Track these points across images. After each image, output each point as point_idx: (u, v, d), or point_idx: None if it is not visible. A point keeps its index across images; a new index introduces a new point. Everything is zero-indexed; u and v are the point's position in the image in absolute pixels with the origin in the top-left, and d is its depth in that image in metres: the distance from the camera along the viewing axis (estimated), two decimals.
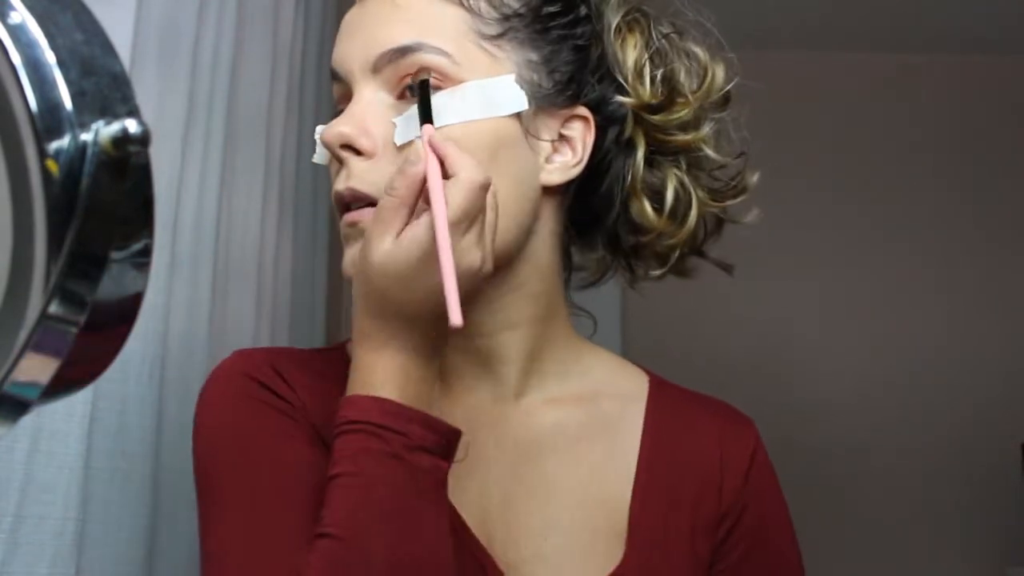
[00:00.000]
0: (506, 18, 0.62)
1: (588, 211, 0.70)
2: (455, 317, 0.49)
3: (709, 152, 0.70)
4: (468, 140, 0.59)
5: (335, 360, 0.68)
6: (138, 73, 0.92)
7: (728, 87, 0.69)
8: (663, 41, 0.69)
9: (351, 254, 0.60)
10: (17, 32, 0.32)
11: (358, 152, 0.60)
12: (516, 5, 0.63)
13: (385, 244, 0.54)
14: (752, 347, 2.47)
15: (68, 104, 0.32)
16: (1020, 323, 2.53)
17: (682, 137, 0.68)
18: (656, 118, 0.68)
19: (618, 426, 0.68)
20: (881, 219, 2.59)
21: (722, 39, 0.70)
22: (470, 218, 0.54)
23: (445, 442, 0.55)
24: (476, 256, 0.54)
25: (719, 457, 0.68)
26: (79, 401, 0.83)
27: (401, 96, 0.61)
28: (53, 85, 0.32)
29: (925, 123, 2.64)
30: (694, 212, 0.69)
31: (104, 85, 0.34)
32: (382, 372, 0.55)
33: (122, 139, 0.32)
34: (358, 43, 0.62)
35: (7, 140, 0.32)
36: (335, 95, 0.65)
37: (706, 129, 0.69)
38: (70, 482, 0.82)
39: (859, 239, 2.58)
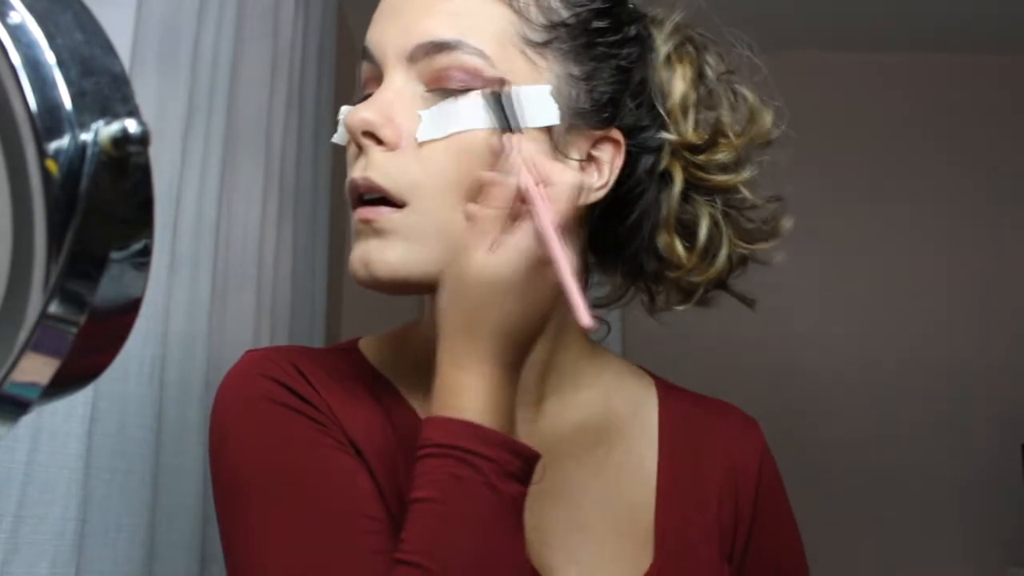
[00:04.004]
0: (553, 26, 0.60)
1: (611, 237, 0.69)
2: (585, 318, 0.49)
3: (747, 194, 0.68)
4: (486, 147, 0.58)
5: (353, 361, 0.67)
6: (138, 73, 0.92)
7: (775, 134, 0.68)
8: (714, 81, 0.67)
9: (361, 252, 0.58)
10: (17, 32, 0.32)
11: (379, 141, 0.58)
12: (565, 14, 0.61)
13: (485, 255, 0.53)
14: (752, 347, 2.47)
15: (68, 104, 0.32)
16: (1021, 322, 2.53)
17: (722, 178, 0.67)
18: (698, 158, 0.67)
19: (633, 431, 0.68)
20: (882, 217, 2.59)
21: (768, 77, 0.68)
22: (569, 223, 0.54)
23: (528, 467, 0.53)
24: (573, 258, 0.54)
25: (732, 460, 0.68)
26: (79, 401, 0.84)
27: (432, 88, 0.59)
28: (53, 85, 0.32)
29: (928, 118, 2.64)
30: (724, 252, 0.68)
31: (104, 85, 0.34)
32: (472, 393, 0.53)
33: (122, 139, 0.32)
34: (397, 28, 0.59)
35: (7, 140, 0.32)
36: (363, 75, 0.62)
37: (747, 172, 0.68)
38: (70, 482, 0.82)
39: (860, 237, 2.58)
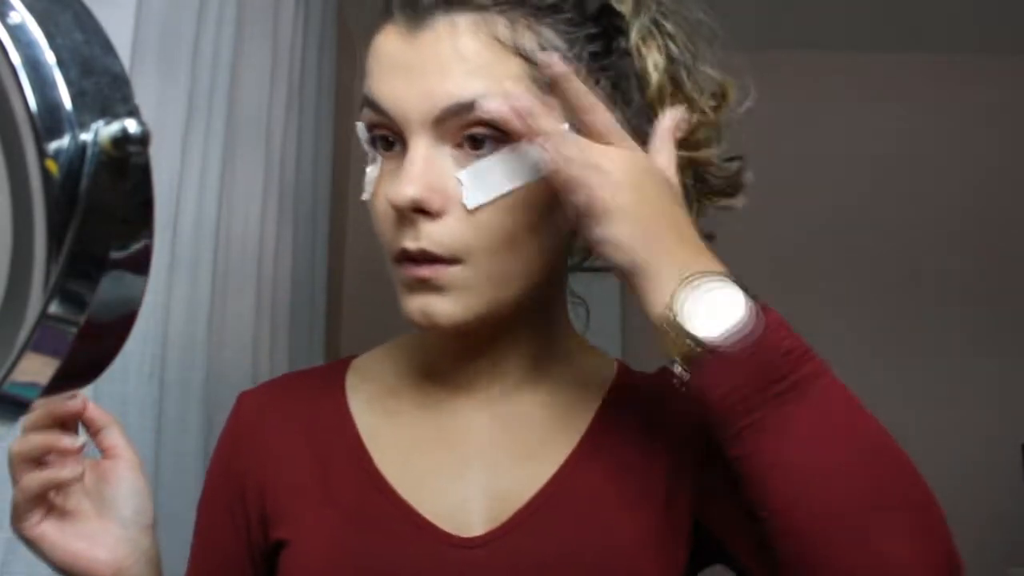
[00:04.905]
0: None
1: None
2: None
3: (716, 163, 0.70)
4: (534, 198, 0.60)
5: (327, 380, 0.74)
6: (138, 73, 0.92)
7: (744, 104, 0.69)
8: (683, 62, 0.69)
9: (420, 305, 0.61)
10: (17, 32, 0.32)
11: (427, 212, 0.60)
12: (563, 47, 0.62)
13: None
14: None
15: (68, 104, 0.32)
16: (1021, 322, 2.53)
17: (696, 155, 0.69)
18: (684, 140, 0.68)
19: (578, 397, 0.70)
20: (883, 216, 2.59)
21: (728, 41, 0.69)
22: None
23: None
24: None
25: (678, 409, 0.68)
26: None
27: (459, 146, 0.60)
28: (53, 85, 0.32)
29: (927, 120, 2.64)
30: (693, 212, 0.70)
31: (104, 85, 0.34)
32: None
33: (122, 139, 0.32)
34: (417, 91, 0.60)
35: (7, 140, 0.32)
36: (367, 120, 0.63)
37: (724, 144, 0.70)
38: None
39: (861, 237, 2.59)
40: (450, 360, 0.69)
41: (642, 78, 0.68)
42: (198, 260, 1.05)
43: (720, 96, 0.70)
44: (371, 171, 0.65)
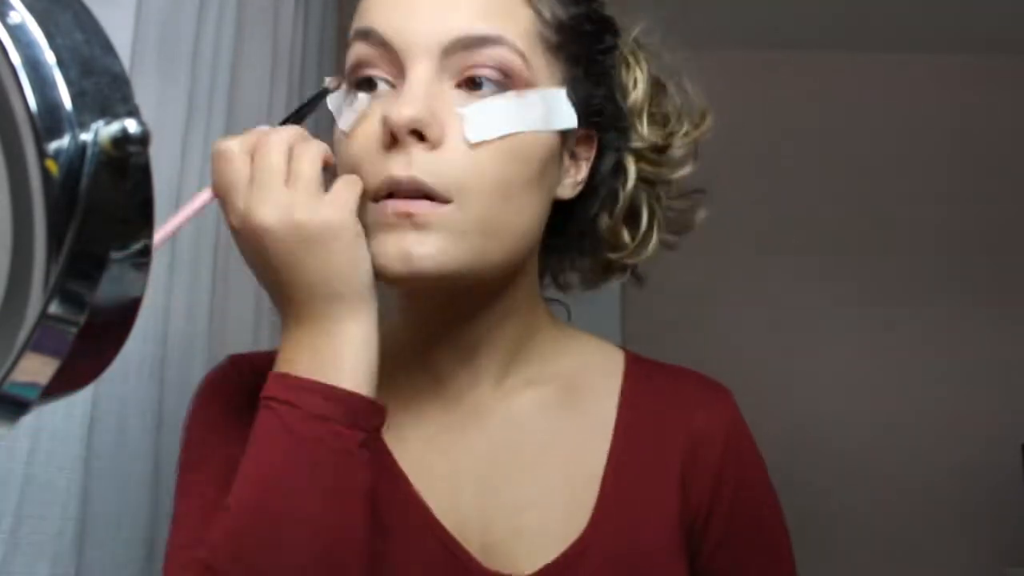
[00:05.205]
0: (562, 29, 0.61)
1: (563, 223, 0.70)
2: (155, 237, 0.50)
3: (676, 186, 0.72)
4: (532, 150, 0.59)
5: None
6: (138, 73, 0.92)
7: (705, 129, 0.71)
8: (669, 80, 0.70)
9: (397, 246, 0.56)
10: (17, 32, 0.32)
11: (422, 138, 0.56)
12: (566, 18, 0.62)
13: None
14: (752, 347, 2.47)
15: (68, 104, 0.32)
16: (1021, 322, 2.53)
17: (670, 173, 0.70)
18: (659, 156, 0.70)
19: (594, 400, 0.69)
20: (882, 218, 2.59)
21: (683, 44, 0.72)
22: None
23: (349, 410, 0.54)
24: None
25: (694, 428, 0.68)
26: (79, 401, 0.84)
27: (459, 85, 0.57)
28: (53, 85, 0.32)
29: (926, 123, 2.64)
30: (655, 238, 0.71)
31: (104, 85, 0.34)
32: (287, 346, 0.56)
33: (122, 139, 0.32)
34: (425, 17, 0.57)
35: (7, 140, 0.32)
36: (359, 56, 0.59)
37: (694, 166, 0.71)
38: (70, 482, 0.82)
39: (860, 238, 2.59)
40: (422, 344, 0.66)
41: (625, 85, 0.69)
42: (198, 260, 1.05)
43: (699, 118, 0.71)
44: (348, 112, 0.60)
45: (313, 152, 0.55)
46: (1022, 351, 2.51)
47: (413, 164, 0.56)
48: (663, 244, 0.73)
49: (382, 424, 0.57)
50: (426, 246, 0.56)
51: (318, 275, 0.54)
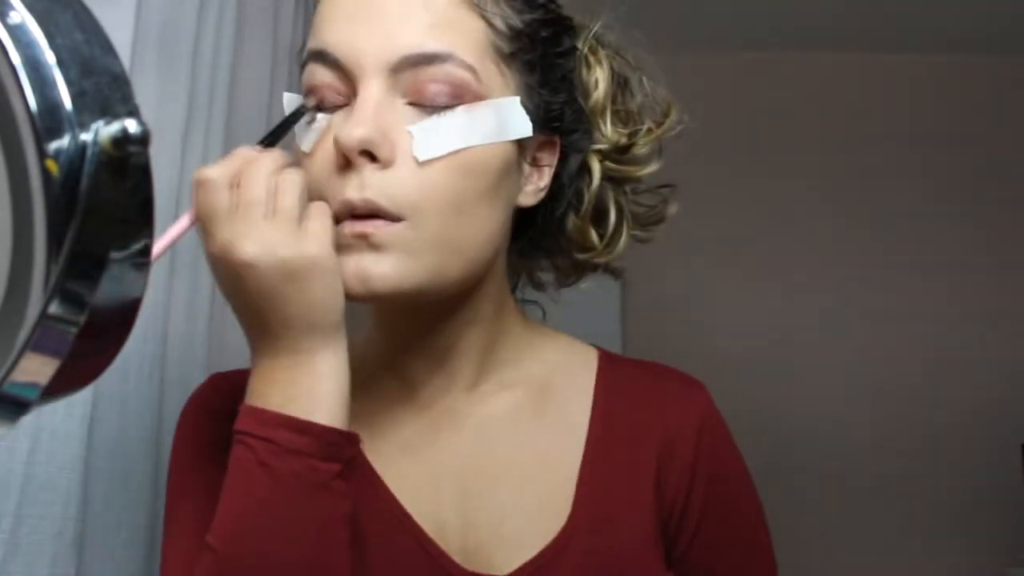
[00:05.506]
0: (515, 36, 0.61)
1: (529, 226, 0.71)
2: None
3: (645, 183, 0.72)
4: (486, 163, 0.59)
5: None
6: (138, 73, 0.92)
7: (676, 126, 0.71)
8: (630, 79, 0.71)
9: (355, 267, 0.57)
10: (17, 32, 0.32)
11: (373, 159, 0.56)
12: (521, 25, 0.61)
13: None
14: (752, 346, 2.48)
15: (68, 104, 0.32)
16: (1021, 323, 2.53)
17: (636, 171, 0.70)
18: (622, 155, 0.70)
19: (567, 400, 0.69)
20: (881, 218, 2.59)
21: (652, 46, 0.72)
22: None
23: (322, 444, 0.54)
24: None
25: (668, 423, 0.68)
26: (79, 401, 0.83)
27: (411, 103, 0.58)
28: (53, 85, 0.32)
29: (924, 124, 2.64)
30: (624, 235, 0.72)
31: (104, 85, 0.34)
32: (258, 378, 0.56)
33: (122, 139, 0.32)
34: (374, 35, 0.57)
35: (7, 140, 0.32)
36: (313, 81, 0.59)
37: (658, 163, 0.71)
38: (70, 482, 0.82)
39: (859, 239, 2.59)
40: (395, 352, 0.66)
41: (586, 85, 0.69)
42: (198, 260, 1.05)
43: (663, 115, 0.71)
44: (309, 132, 0.60)
45: (295, 183, 0.55)
46: (1022, 350, 2.51)
47: (366, 185, 0.56)
48: (637, 240, 0.73)
49: (357, 452, 0.57)
50: (382, 266, 0.57)
51: (297, 308, 0.54)
